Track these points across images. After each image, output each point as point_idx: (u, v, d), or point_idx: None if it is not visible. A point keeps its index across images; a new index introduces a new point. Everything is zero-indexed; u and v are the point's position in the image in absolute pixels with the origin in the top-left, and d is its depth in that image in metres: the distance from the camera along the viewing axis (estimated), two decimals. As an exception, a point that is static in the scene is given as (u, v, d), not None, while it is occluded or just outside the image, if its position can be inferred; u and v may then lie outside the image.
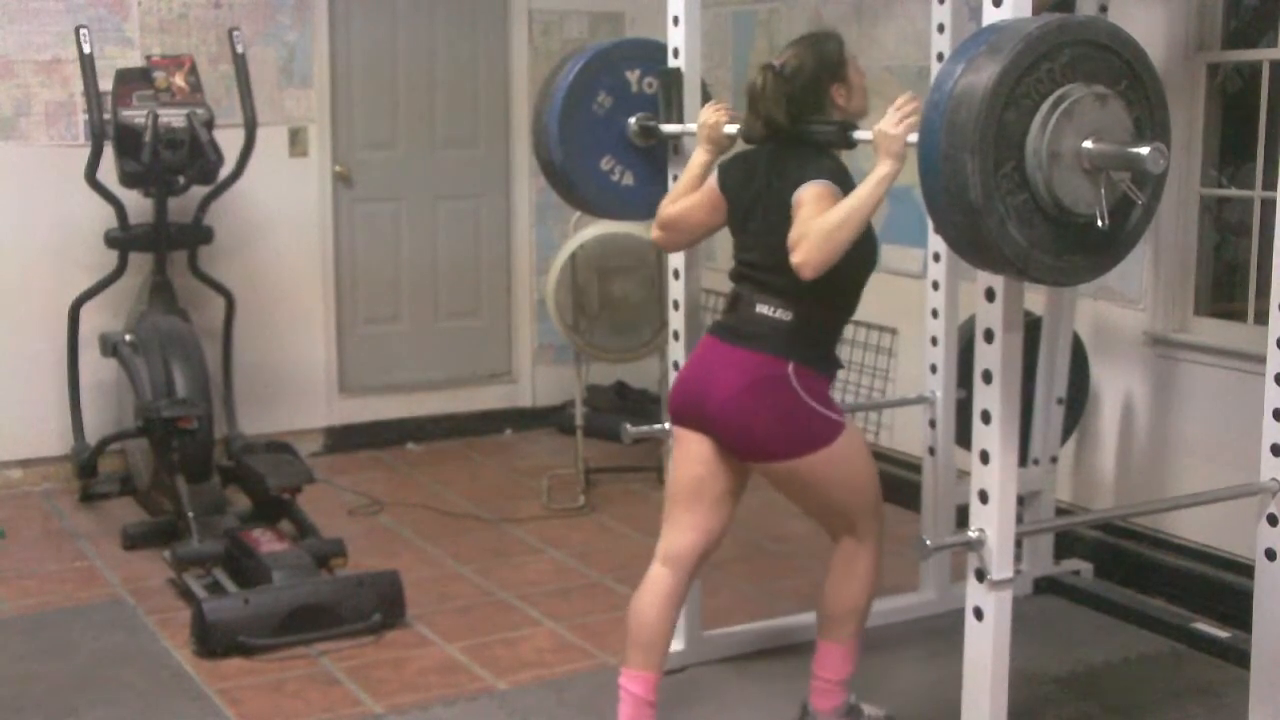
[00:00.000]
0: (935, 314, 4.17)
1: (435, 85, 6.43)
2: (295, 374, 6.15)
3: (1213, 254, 4.62)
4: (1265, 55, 4.31)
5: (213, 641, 3.99)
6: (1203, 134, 4.45)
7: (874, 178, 2.98)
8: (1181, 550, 4.47)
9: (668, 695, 3.54)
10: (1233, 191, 4.54)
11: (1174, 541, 4.50)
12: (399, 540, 5.11)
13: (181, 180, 5.27)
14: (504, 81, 6.54)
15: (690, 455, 3.33)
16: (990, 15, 2.71)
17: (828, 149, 3.22)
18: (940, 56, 4.07)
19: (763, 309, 3.19)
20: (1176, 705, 3.74)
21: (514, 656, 4.06)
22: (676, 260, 3.79)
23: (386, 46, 6.32)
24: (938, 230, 2.70)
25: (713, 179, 3.39)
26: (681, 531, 3.35)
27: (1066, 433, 4.57)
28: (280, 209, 6.03)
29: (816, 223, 2.97)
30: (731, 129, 3.41)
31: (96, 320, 5.54)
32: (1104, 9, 4.20)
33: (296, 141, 6.06)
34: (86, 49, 5.12)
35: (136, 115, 5.09)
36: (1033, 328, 4.25)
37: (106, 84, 5.20)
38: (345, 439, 6.31)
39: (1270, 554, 3.15)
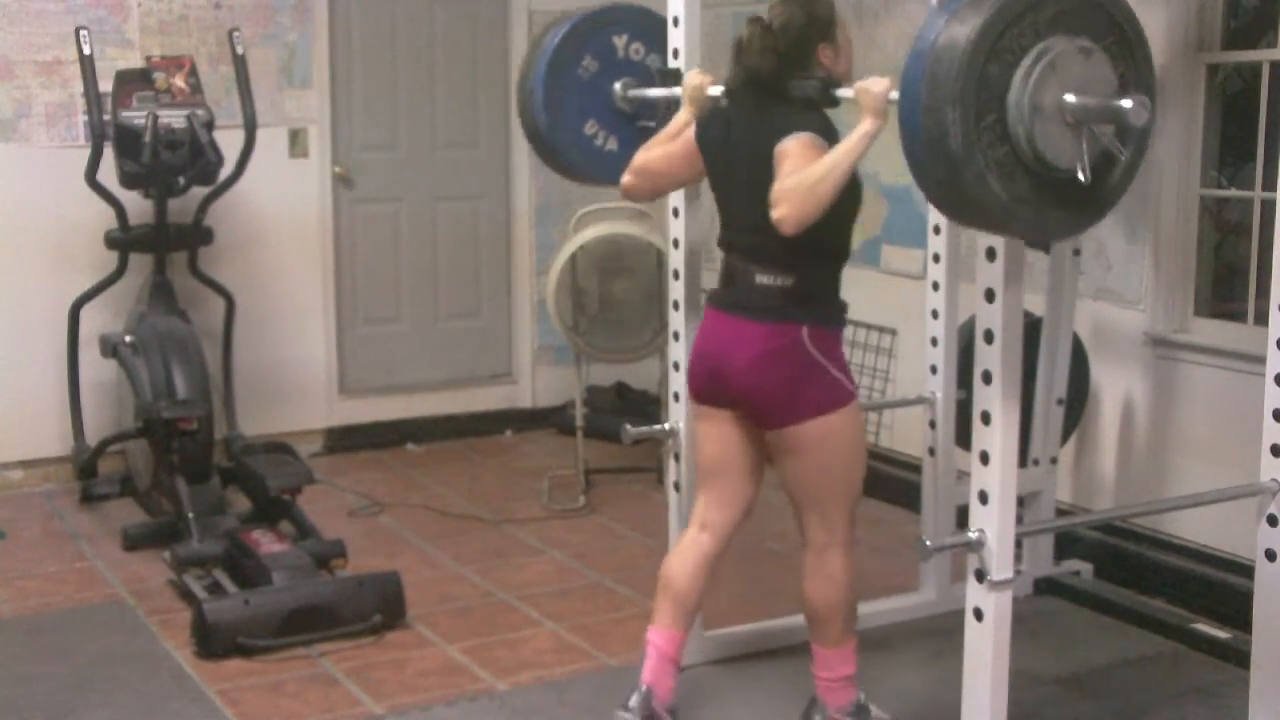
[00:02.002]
0: (935, 315, 4.17)
1: (435, 85, 6.43)
2: (295, 374, 6.15)
3: (1213, 254, 4.62)
4: (1265, 55, 4.31)
5: (213, 642, 3.99)
6: (1203, 134, 4.45)
7: (856, 134, 2.95)
8: (1181, 551, 4.47)
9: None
10: (1233, 192, 4.54)
11: (1174, 542, 4.50)
12: (399, 541, 5.11)
13: (181, 181, 5.27)
14: (504, 81, 6.53)
15: (714, 433, 3.36)
16: (990, 16, 2.71)
17: (811, 106, 3.18)
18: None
19: (763, 279, 3.19)
20: (1176, 706, 3.74)
21: (514, 657, 4.06)
22: (676, 260, 3.79)
23: (386, 46, 6.32)
24: (918, 183, 2.68)
25: (690, 131, 3.38)
26: (716, 506, 3.42)
27: (1066, 433, 4.57)
28: (280, 210, 6.03)
29: (797, 178, 2.96)
30: (716, 90, 3.40)
31: (96, 321, 5.54)
32: (1104, 9, 4.20)
33: (296, 142, 6.06)
34: (86, 50, 5.12)
35: (136, 116, 5.09)
36: (1033, 328, 4.25)
37: (106, 85, 5.20)
38: (345, 440, 6.31)
39: (1270, 554, 3.15)
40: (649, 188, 3.50)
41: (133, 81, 5.19)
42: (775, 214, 2.96)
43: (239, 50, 5.41)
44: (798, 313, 3.17)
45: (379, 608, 4.19)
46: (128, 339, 5.22)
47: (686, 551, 3.42)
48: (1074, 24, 2.60)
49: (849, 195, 3.09)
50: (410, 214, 6.46)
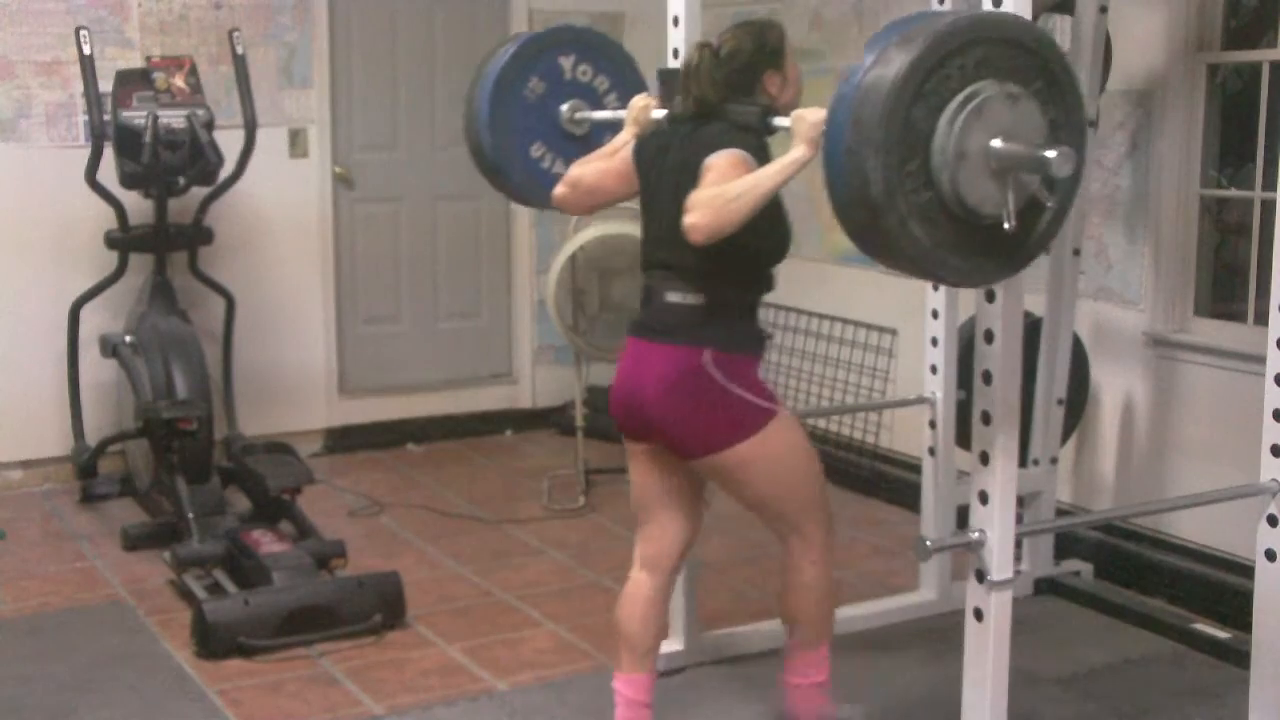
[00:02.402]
0: (935, 315, 4.17)
1: (435, 85, 6.43)
2: (295, 374, 6.15)
3: (1213, 254, 4.62)
4: (1265, 55, 4.31)
5: (213, 642, 3.99)
6: (1203, 134, 4.45)
7: (785, 159, 2.90)
8: (1181, 551, 4.47)
9: (667, 695, 3.55)
10: (1233, 192, 4.54)
11: (1174, 542, 4.50)
12: (399, 541, 5.11)
13: (181, 181, 5.27)
14: (504, 82, 6.53)
15: (643, 465, 3.28)
16: (990, 16, 2.71)
17: (749, 130, 3.13)
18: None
19: (673, 297, 3.12)
20: (1176, 706, 3.74)
21: (514, 657, 4.06)
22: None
23: (386, 46, 6.32)
24: (841, 226, 2.63)
25: (628, 149, 3.34)
26: (653, 540, 3.32)
27: (1066, 433, 4.57)
28: (280, 210, 6.03)
29: (715, 189, 2.90)
30: (659, 114, 3.37)
31: (96, 321, 5.54)
32: (1104, 9, 4.21)
33: (296, 142, 6.06)
34: (86, 50, 5.12)
35: (136, 116, 5.09)
36: (1033, 328, 4.25)
37: (106, 85, 5.20)
38: (345, 440, 6.31)
39: (1270, 554, 3.15)
40: (581, 202, 3.43)
41: (133, 81, 5.19)
42: (687, 220, 2.89)
43: (239, 50, 5.41)
44: (701, 334, 3.09)
45: (379, 608, 4.19)
46: (128, 339, 5.22)
47: (632, 596, 3.33)
48: (1003, 68, 2.56)
49: (772, 227, 3.06)
50: (410, 214, 6.46)
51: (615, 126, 3.53)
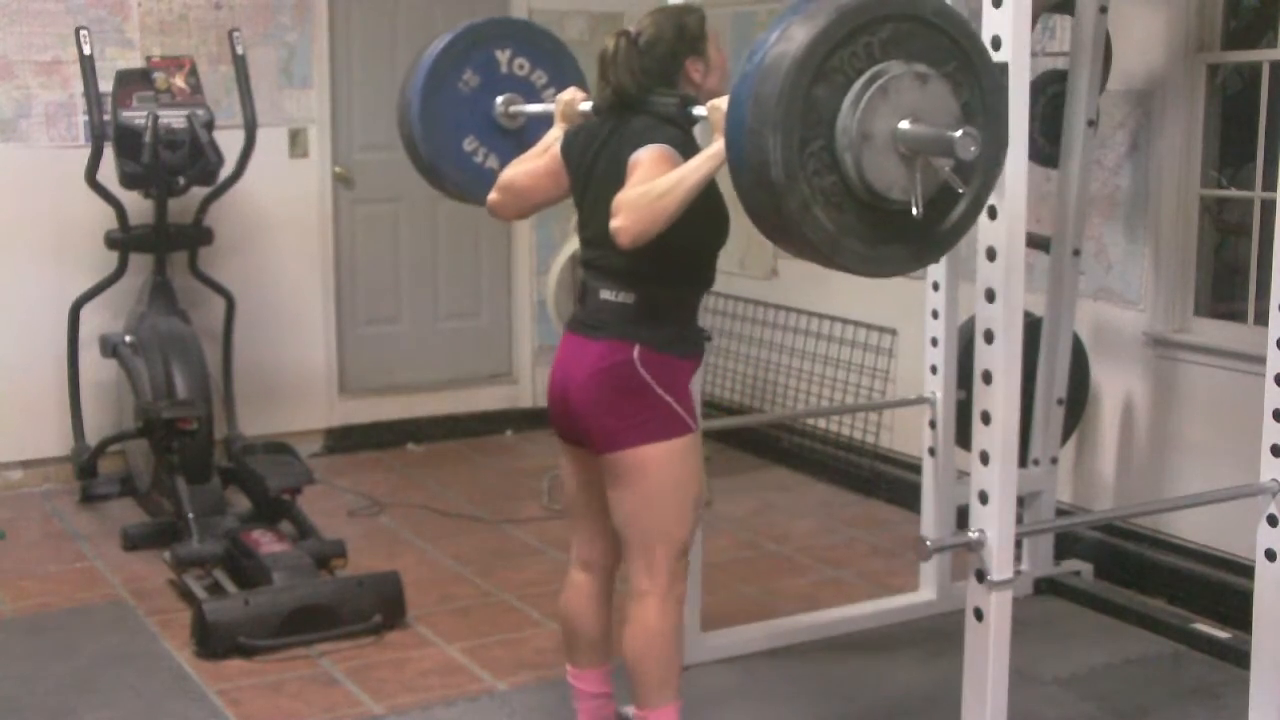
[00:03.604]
0: (935, 315, 4.17)
1: (435, 86, 6.43)
2: (295, 375, 6.15)
3: (1213, 254, 4.62)
4: (1265, 55, 4.31)
5: (213, 642, 3.99)
6: (1203, 134, 4.45)
7: (707, 151, 2.81)
8: (1181, 551, 4.47)
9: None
10: (1233, 192, 4.54)
11: (1174, 542, 4.50)
12: (399, 541, 5.11)
13: (181, 181, 5.27)
14: (504, 82, 6.54)
15: (571, 469, 3.24)
16: (990, 16, 2.71)
17: (672, 121, 3.04)
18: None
19: (606, 294, 3.05)
20: (1177, 706, 3.74)
21: (514, 657, 4.06)
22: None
23: (386, 46, 6.32)
24: (745, 211, 2.53)
25: (556, 146, 3.25)
26: (587, 540, 3.28)
27: (1066, 433, 4.57)
28: (280, 210, 6.03)
29: (641, 189, 2.81)
30: (586, 106, 3.28)
31: (96, 321, 5.54)
32: (1104, 9, 4.21)
33: (296, 142, 6.06)
34: (86, 50, 5.12)
35: (137, 116, 5.09)
36: (1033, 328, 4.25)
37: (107, 85, 5.19)
38: (345, 440, 6.31)
39: (1270, 554, 3.15)
40: (515, 206, 3.34)
41: (133, 81, 5.19)
42: (613, 223, 2.81)
43: (239, 50, 5.41)
44: (632, 330, 3.01)
45: (379, 608, 4.19)
46: (128, 339, 5.22)
47: (575, 593, 3.30)
48: (913, 48, 2.46)
49: (707, 219, 2.97)
50: (410, 214, 6.45)
51: (550, 120, 3.45)
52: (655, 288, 3.03)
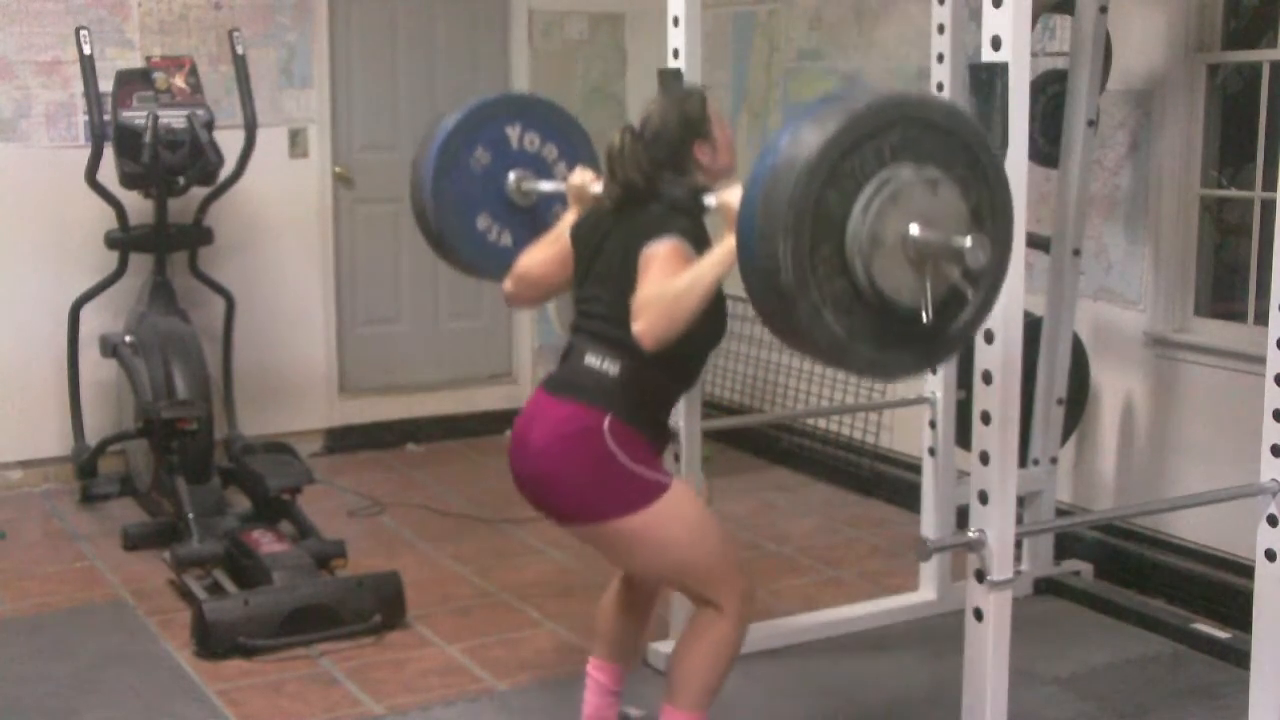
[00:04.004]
0: (935, 314, 4.16)
1: (435, 85, 6.43)
2: (295, 375, 6.15)
3: (1213, 254, 4.62)
4: (1265, 55, 4.31)
5: (213, 642, 3.99)
6: (1203, 134, 4.45)
7: (721, 249, 2.82)
8: (1181, 551, 4.47)
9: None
10: (1233, 192, 4.54)
11: (1174, 542, 4.50)
12: (399, 541, 5.11)
13: (181, 181, 5.27)
14: (504, 82, 6.54)
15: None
16: (990, 16, 2.71)
17: (682, 208, 3.05)
18: (940, 57, 4.08)
19: (590, 360, 3.01)
20: (1176, 706, 3.74)
21: (514, 657, 4.06)
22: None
23: (386, 46, 6.32)
24: (755, 310, 2.51)
25: (567, 231, 3.26)
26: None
27: (1066, 433, 4.57)
28: (280, 210, 6.03)
29: (659, 289, 2.82)
30: (598, 188, 3.24)
31: (96, 321, 5.54)
32: (1104, 9, 4.21)
33: (296, 142, 6.06)
34: (86, 50, 5.12)
35: (137, 116, 5.09)
36: (1033, 328, 4.25)
37: (107, 85, 5.19)
38: (345, 440, 6.31)
39: (1270, 554, 3.15)
40: (528, 295, 3.35)
41: (133, 81, 5.19)
42: (636, 327, 2.81)
43: (239, 50, 5.41)
44: (606, 400, 2.96)
45: (379, 608, 4.19)
46: (128, 339, 5.22)
47: (610, 595, 3.37)
48: (922, 150, 2.45)
49: (707, 319, 2.92)
50: (410, 214, 6.43)
51: (562, 196, 3.47)
52: (642, 368, 2.98)
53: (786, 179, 2.37)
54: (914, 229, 2.43)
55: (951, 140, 2.50)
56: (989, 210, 2.53)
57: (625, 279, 2.95)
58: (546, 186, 3.67)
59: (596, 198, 3.25)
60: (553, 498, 3.04)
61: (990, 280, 2.55)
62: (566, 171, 3.65)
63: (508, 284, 3.34)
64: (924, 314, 2.45)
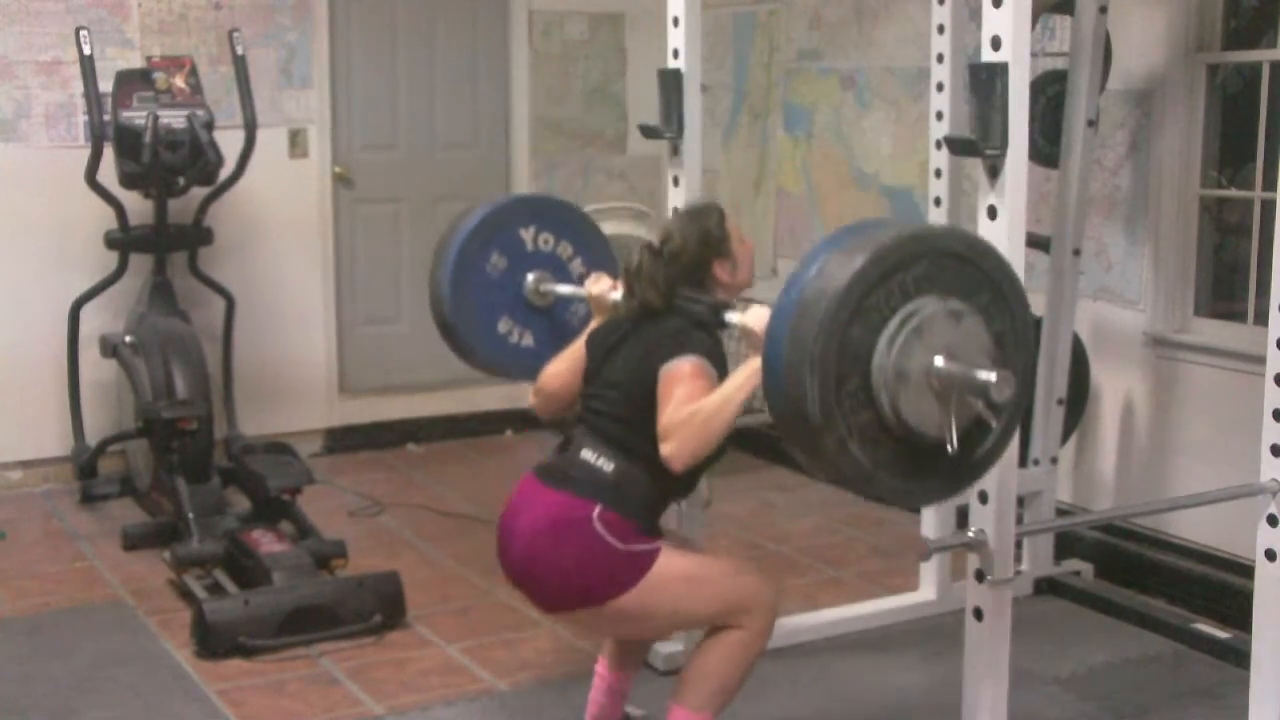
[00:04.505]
0: (935, 314, 4.16)
1: (435, 85, 6.43)
2: (295, 375, 6.15)
3: (1213, 254, 4.62)
4: (1265, 56, 4.31)
5: (213, 642, 3.99)
6: (1203, 134, 4.45)
7: (745, 369, 2.85)
8: (1182, 551, 4.47)
9: (667, 694, 3.54)
10: (1233, 192, 4.54)
11: (1174, 542, 4.50)
12: (399, 541, 5.11)
13: (181, 181, 5.27)
14: (504, 81, 6.55)
15: None
16: (990, 16, 2.71)
17: (702, 326, 3.08)
18: (940, 57, 4.08)
19: (587, 454, 3.04)
20: (1177, 706, 3.74)
21: (514, 657, 4.06)
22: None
23: (386, 46, 6.32)
24: (782, 438, 2.54)
25: (583, 339, 3.30)
26: None
27: (1066, 433, 4.57)
28: (280, 210, 6.02)
29: (688, 412, 2.85)
30: (617, 295, 3.29)
31: (96, 321, 5.54)
32: (1104, 9, 4.20)
33: (296, 142, 6.06)
34: (86, 50, 5.12)
35: (136, 116, 5.09)
36: (1033, 328, 4.25)
37: (106, 85, 5.19)
38: (345, 440, 6.31)
39: (1270, 554, 3.15)
40: (554, 408, 3.36)
41: (133, 81, 5.19)
42: (665, 450, 2.84)
43: (239, 50, 5.41)
44: (595, 493, 2.98)
45: (379, 608, 4.19)
46: (128, 339, 5.22)
47: None
48: (946, 283, 2.47)
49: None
50: (410, 214, 6.46)
51: (581, 297, 3.53)
52: (638, 470, 3.00)
53: (814, 313, 2.39)
54: (939, 362, 2.45)
55: (975, 271, 2.53)
56: (1012, 340, 2.57)
57: (636, 386, 3.00)
58: (564, 290, 3.70)
59: (616, 305, 3.29)
60: (543, 583, 3.02)
61: (1012, 408, 2.55)
62: (583, 266, 3.72)
63: (532, 398, 3.40)
64: (949, 445, 2.47)
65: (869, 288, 2.41)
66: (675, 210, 3.44)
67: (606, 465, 3.02)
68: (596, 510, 2.96)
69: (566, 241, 3.78)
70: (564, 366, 3.31)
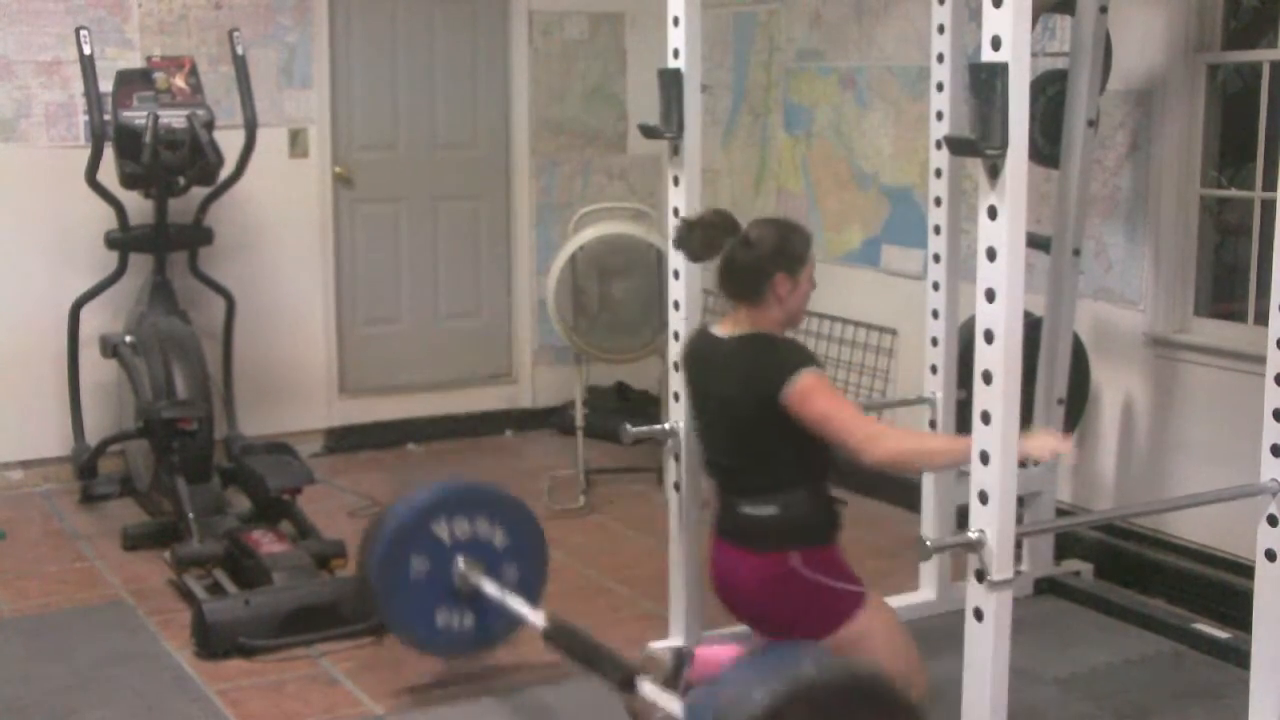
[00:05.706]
0: (935, 315, 4.17)
1: (435, 85, 6.43)
2: (295, 375, 6.15)
3: (1213, 254, 4.62)
4: (1265, 55, 4.31)
5: (213, 642, 3.99)
6: (1203, 134, 4.45)
7: (960, 443, 2.99)
8: (1181, 551, 4.47)
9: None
10: (1233, 192, 4.54)
11: (1174, 542, 4.50)
12: (399, 541, 5.10)
13: (181, 181, 5.27)
14: (504, 81, 6.55)
15: None
16: (990, 16, 2.71)
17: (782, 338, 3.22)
18: (940, 57, 4.08)
19: (747, 509, 3.21)
20: (1177, 706, 3.74)
21: (515, 657, 4.05)
22: (676, 260, 3.78)
23: (386, 46, 6.32)
24: None
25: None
26: None
27: (1066, 433, 4.57)
28: (280, 210, 6.03)
29: (915, 438, 3.27)
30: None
31: (97, 321, 5.54)
32: (1104, 9, 4.20)
33: (296, 142, 6.06)
34: (87, 50, 5.12)
35: (137, 116, 5.09)
36: (1033, 328, 4.25)
37: (107, 85, 5.19)
38: (345, 440, 6.31)
39: (1270, 554, 3.15)
40: None
41: (133, 81, 5.19)
42: (873, 454, 3.02)
43: (239, 50, 5.41)
44: (786, 540, 3.18)
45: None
46: (128, 339, 5.22)
47: None
48: None
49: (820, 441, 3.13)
50: (410, 214, 6.46)
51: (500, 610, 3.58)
52: (791, 493, 3.18)
53: None
54: None
55: None
56: None
57: (755, 429, 3.13)
58: (489, 588, 3.64)
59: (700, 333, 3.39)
60: (770, 633, 3.29)
61: None
62: (507, 539, 3.71)
63: None
64: None
65: None
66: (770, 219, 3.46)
67: (769, 509, 3.18)
68: (797, 558, 3.17)
69: (485, 520, 3.73)
70: None
